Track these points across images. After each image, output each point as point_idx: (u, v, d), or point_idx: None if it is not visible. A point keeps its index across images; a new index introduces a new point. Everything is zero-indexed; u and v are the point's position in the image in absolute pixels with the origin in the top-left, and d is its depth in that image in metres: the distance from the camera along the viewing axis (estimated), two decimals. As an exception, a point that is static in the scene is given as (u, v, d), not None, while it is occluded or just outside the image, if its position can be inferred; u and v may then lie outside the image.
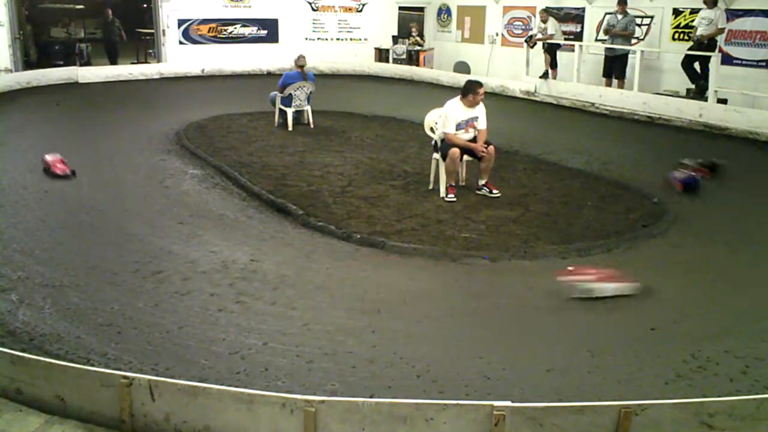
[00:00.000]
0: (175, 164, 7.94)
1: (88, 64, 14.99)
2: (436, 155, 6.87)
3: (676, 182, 7.09)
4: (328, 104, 11.16)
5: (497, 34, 15.18)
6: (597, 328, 4.18)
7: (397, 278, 4.89)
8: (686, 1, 11.34)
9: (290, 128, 9.83)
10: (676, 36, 11.68)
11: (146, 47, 16.06)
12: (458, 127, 6.66)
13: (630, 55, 11.67)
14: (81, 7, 15.97)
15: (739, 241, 5.81)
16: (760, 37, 10.42)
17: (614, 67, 11.75)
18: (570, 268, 4.77)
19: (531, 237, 5.66)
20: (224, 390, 2.85)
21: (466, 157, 6.82)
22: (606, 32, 11.91)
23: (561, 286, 4.57)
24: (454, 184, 6.70)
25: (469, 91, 6.67)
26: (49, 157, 7.26)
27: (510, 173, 7.62)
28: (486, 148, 6.66)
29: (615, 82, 11.82)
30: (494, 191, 6.74)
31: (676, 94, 11.07)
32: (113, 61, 15.16)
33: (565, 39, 13.02)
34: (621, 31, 11.59)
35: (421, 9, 17.09)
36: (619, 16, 11.58)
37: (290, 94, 9.87)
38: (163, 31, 14.91)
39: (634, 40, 11.88)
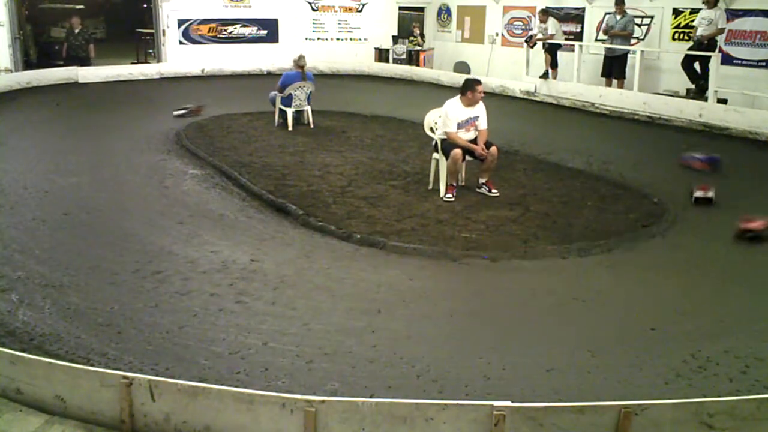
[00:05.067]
0: (175, 164, 7.93)
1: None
2: (436, 155, 6.87)
3: (698, 162, 7.00)
4: (328, 104, 11.15)
5: (497, 34, 15.17)
6: (597, 328, 4.18)
7: (397, 278, 4.88)
8: (686, 1, 11.34)
9: (290, 128, 9.83)
10: (676, 36, 11.68)
11: (146, 47, 16.05)
12: (459, 126, 6.64)
13: (630, 55, 11.68)
14: (81, 7, 15.96)
15: (739, 241, 5.80)
16: (760, 37, 10.42)
17: (614, 67, 11.75)
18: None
19: (531, 237, 5.66)
20: (224, 390, 2.85)
21: (467, 158, 6.82)
22: (605, 32, 11.92)
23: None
24: (454, 184, 6.69)
25: (468, 88, 6.64)
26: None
27: (510, 173, 7.61)
28: (488, 149, 6.64)
29: (615, 82, 11.82)
30: (493, 190, 6.73)
31: (676, 94, 11.06)
32: None
33: (565, 39, 13.01)
34: (620, 31, 11.59)
35: (421, 9, 17.08)
36: (618, 17, 11.59)
37: (290, 94, 9.87)
38: (163, 31, 14.88)
39: (633, 40, 11.88)
